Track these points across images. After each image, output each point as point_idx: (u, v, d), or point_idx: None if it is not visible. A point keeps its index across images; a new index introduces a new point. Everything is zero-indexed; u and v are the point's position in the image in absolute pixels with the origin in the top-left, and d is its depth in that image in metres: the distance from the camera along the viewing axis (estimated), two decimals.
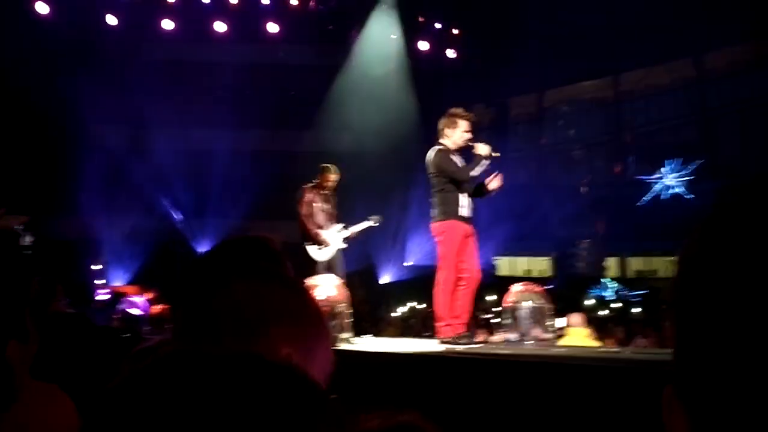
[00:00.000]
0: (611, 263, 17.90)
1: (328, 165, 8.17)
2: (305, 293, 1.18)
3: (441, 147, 6.21)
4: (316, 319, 1.14)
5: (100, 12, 16.81)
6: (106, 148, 15.50)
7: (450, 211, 6.12)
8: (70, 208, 14.98)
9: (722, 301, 0.54)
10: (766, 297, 0.52)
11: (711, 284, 0.56)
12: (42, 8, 16.13)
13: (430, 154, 6.22)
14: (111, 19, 16.86)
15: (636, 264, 19.16)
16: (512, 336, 7.03)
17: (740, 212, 0.57)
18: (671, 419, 0.60)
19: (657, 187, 18.52)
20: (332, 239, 8.01)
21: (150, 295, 11.64)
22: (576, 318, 7.75)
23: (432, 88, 17.12)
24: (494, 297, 10.88)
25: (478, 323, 9.73)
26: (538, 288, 7.39)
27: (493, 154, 6.27)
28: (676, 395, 0.59)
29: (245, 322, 1.07)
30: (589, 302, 13.77)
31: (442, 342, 6.15)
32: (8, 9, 15.56)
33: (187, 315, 1.16)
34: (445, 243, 6.14)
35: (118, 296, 10.99)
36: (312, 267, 7.78)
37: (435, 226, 6.16)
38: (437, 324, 6.29)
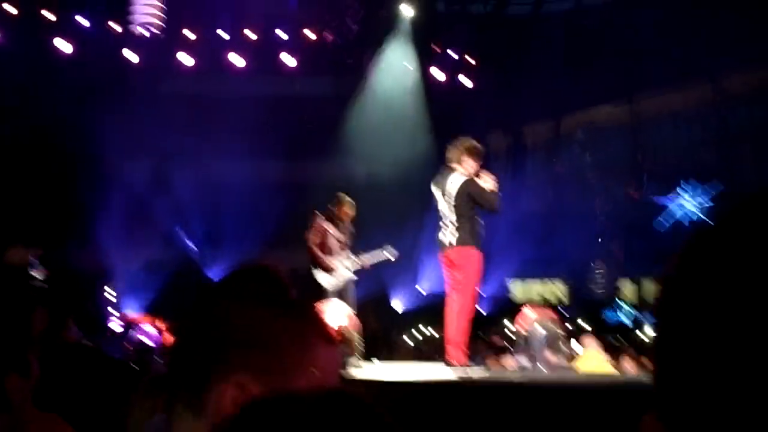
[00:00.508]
0: (628, 288, 17.66)
1: (346, 198, 8.12)
2: (301, 317, 1.13)
3: (467, 175, 6.19)
4: (301, 345, 1.09)
5: (120, 49, 17.21)
6: (124, 181, 15.71)
7: (475, 238, 6.14)
8: (86, 239, 15.13)
9: (704, 322, 0.53)
10: (748, 318, 0.51)
11: (692, 306, 0.54)
12: (64, 46, 16.57)
13: (458, 180, 6.16)
14: (131, 56, 17.24)
15: (653, 288, 18.75)
16: (525, 361, 6.94)
17: (721, 235, 0.56)
18: None
19: (674, 209, 18.30)
20: (342, 268, 7.98)
21: (163, 325, 11.66)
22: (590, 342, 7.63)
23: (448, 117, 17.15)
24: (508, 322, 10.76)
25: (490, 348, 9.61)
26: (550, 313, 7.30)
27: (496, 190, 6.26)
28: (660, 420, 0.58)
29: (210, 344, 1.05)
30: (605, 327, 13.57)
31: (455, 368, 6.09)
32: (31, 47, 15.99)
33: (176, 339, 1.17)
34: (469, 269, 6.10)
35: (131, 326, 11.03)
36: (322, 295, 7.74)
37: (459, 251, 6.08)
38: (450, 349, 6.22)
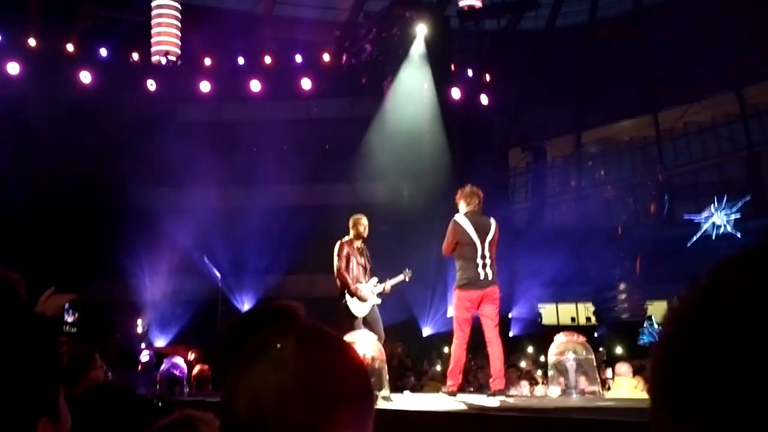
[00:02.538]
0: (659, 307, 17.37)
1: (358, 216, 8.16)
2: (357, 356, 1.07)
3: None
4: (370, 388, 1.05)
5: (140, 78, 17.44)
6: (147, 209, 15.81)
7: None
8: (113, 270, 15.20)
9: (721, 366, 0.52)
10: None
11: (709, 348, 0.53)
12: (86, 77, 16.82)
13: (497, 224, 6.56)
14: (151, 84, 17.46)
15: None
16: (556, 389, 6.82)
17: (737, 275, 0.55)
18: None
19: (705, 226, 18.00)
20: (369, 294, 7.93)
21: (192, 355, 11.62)
22: (623, 368, 7.47)
23: (466, 135, 17.11)
24: (539, 347, 10.61)
25: (521, 375, 9.49)
26: (581, 338, 7.16)
27: None
28: None
29: (310, 401, 0.96)
30: (637, 348, 13.33)
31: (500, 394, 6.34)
32: (53, 78, 16.19)
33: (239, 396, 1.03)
34: (499, 305, 6.56)
35: (160, 357, 11.02)
36: (349, 322, 7.68)
37: (499, 291, 6.52)
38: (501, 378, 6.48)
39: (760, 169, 18.63)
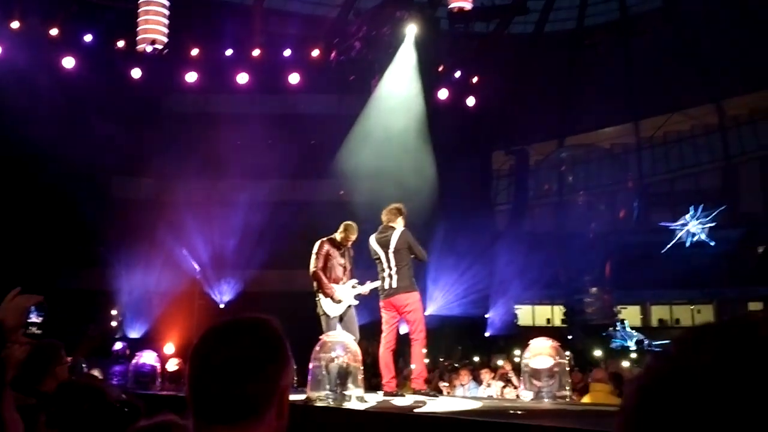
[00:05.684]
0: (632, 311, 17.56)
1: (352, 224, 8.08)
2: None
3: (405, 228, 6.84)
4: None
5: (125, 65, 17.23)
6: (127, 200, 15.64)
7: (416, 283, 6.88)
8: (89, 260, 15.05)
9: None
10: None
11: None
12: (69, 63, 16.60)
13: (400, 232, 6.76)
14: (135, 72, 17.26)
15: (658, 313, 18.79)
16: (529, 393, 6.87)
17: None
18: None
19: (681, 234, 18.25)
20: (345, 295, 7.89)
21: (166, 349, 11.57)
22: (598, 374, 7.55)
23: (451, 136, 17.14)
24: (513, 347, 10.67)
25: (495, 375, 9.56)
26: (555, 343, 7.22)
27: None
28: None
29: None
30: (609, 351, 13.44)
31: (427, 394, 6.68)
32: (35, 62, 15.94)
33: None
34: (420, 310, 6.87)
35: (134, 349, 10.95)
36: (323, 321, 7.66)
37: (410, 296, 6.74)
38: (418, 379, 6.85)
39: (736, 180, 18.88)
